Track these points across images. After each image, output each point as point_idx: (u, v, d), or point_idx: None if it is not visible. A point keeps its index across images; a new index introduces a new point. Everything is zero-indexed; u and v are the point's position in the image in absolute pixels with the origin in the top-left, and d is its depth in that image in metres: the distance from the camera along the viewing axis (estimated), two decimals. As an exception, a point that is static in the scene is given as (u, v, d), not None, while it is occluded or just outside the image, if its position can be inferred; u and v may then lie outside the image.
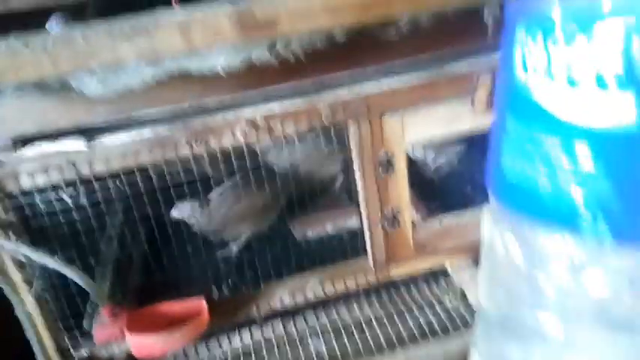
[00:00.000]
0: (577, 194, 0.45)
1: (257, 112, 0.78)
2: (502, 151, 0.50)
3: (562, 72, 0.42)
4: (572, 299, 0.49)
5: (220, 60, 0.64)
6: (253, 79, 0.70)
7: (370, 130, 0.84)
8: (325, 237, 1.16)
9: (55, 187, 0.79)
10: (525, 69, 0.45)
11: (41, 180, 0.76)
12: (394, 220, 0.91)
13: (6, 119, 0.68)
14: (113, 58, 0.60)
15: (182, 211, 1.01)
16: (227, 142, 0.80)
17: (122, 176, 0.80)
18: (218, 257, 1.08)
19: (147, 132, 0.76)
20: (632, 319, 0.48)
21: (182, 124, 0.76)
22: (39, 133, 0.73)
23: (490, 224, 0.56)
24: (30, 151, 0.75)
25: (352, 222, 1.14)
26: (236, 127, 0.78)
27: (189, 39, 0.61)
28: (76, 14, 0.72)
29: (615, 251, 0.45)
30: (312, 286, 0.95)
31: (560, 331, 0.51)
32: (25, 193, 0.77)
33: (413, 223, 0.94)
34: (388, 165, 0.87)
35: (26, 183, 0.76)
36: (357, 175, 0.87)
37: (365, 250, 0.95)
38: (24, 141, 0.74)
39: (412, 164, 1.08)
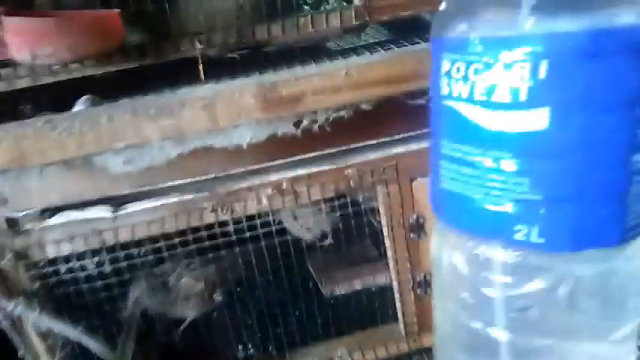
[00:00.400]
0: (506, 204, 0.48)
1: (283, 177, 0.76)
2: (439, 172, 0.54)
3: (484, 95, 0.46)
4: (514, 309, 0.52)
5: (245, 136, 0.63)
6: (278, 150, 0.68)
7: (400, 194, 0.81)
8: (354, 294, 1.12)
9: (80, 256, 0.78)
10: (451, 94, 0.49)
11: (66, 249, 0.76)
12: (426, 285, 0.87)
13: (31, 191, 0.68)
14: (138, 139, 0.60)
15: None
16: (252, 207, 0.78)
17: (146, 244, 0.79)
18: (240, 322, 1.05)
19: (172, 200, 0.75)
20: (571, 326, 0.51)
21: (207, 191, 0.75)
22: (65, 203, 0.73)
23: (438, 242, 0.60)
24: (56, 219, 0.75)
25: (382, 279, 1.10)
26: (261, 192, 0.77)
27: (214, 117, 0.61)
28: (104, 87, 0.72)
29: (550, 257, 0.48)
30: (340, 355, 0.91)
31: (509, 341, 0.53)
32: (51, 262, 0.77)
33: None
34: (419, 229, 0.83)
35: (52, 252, 0.76)
36: (387, 241, 0.84)
37: (395, 312, 0.90)
38: (50, 210, 0.74)
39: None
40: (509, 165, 0.47)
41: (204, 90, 0.61)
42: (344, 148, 0.72)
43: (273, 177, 0.76)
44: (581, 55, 0.42)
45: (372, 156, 0.78)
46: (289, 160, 0.73)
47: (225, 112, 0.61)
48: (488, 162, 0.48)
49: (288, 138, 0.66)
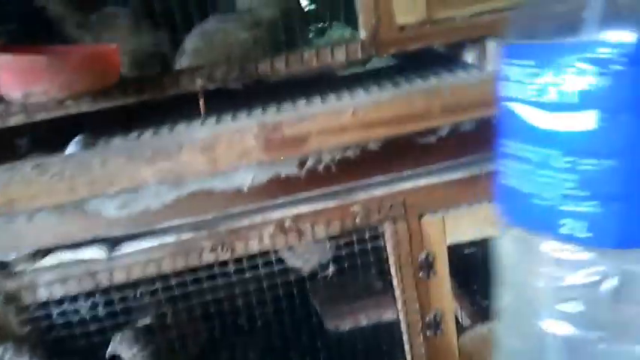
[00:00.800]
0: (554, 198, 0.50)
1: (285, 214, 0.73)
2: (502, 169, 0.56)
3: (536, 97, 0.50)
4: (559, 301, 0.53)
5: (246, 178, 0.60)
6: (280, 189, 0.65)
7: (408, 231, 0.77)
8: (359, 330, 1.08)
9: (73, 298, 0.74)
10: (510, 96, 0.53)
11: (59, 291, 0.72)
12: (436, 326, 0.83)
13: (21, 234, 0.64)
14: (133, 183, 0.57)
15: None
16: (254, 246, 0.74)
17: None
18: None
19: (169, 239, 0.71)
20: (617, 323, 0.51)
21: (206, 230, 0.72)
22: (57, 245, 0.69)
23: (501, 236, 0.61)
24: (48, 261, 0.71)
25: (389, 314, 1.06)
26: (264, 231, 0.73)
27: (214, 160, 0.58)
28: (103, 119, 0.70)
29: (600, 254, 0.50)
30: (346, 400, 0.86)
31: (559, 336, 0.54)
32: (42, 305, 0.73)
33: (457, 328, 0.85)
34: (429, 268, 0.80)
35: (44, 295, 0.72)
36: (395, 280, 0.80)
37: (403, 350, 0.86)
38: (42, 251, 0.71)
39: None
40: (558, 162, 0.49)
41: (203, 131, 0.58)
42: (350, 184, 0.69)
43: (276, 215, 0.73)
44: (628, 61, 0.45)
45: (378, 192, 0.74)
46: (292, 197, 0.69)
47: (225, 154, 0.58)
48: (539, 158, 0.51)
49: (292, 178, 0.63)
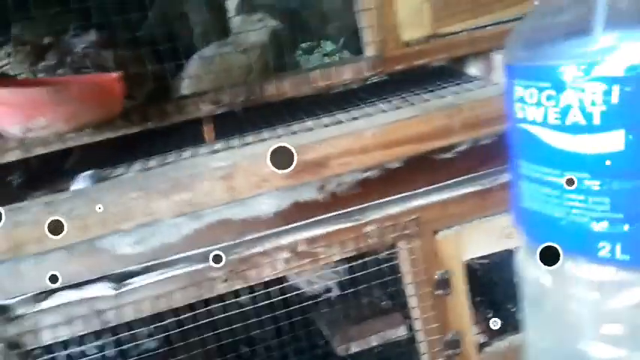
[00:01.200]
0: (588, 222, 0.48)
1: (298, 238, 0.71)
2: (519, 191, 0.54)
3: (557, 119, 0.48)
4: (600, 324, 0.51)
5: (265, 205, 0.58)
6: (297, 214, 0.63)
7: (423, 249, 0.76)
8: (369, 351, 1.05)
9: (80, 339, 0.70)
10: (526, 118, 0.50)
11: (64, 333, 0.68)
12: (456, 344, 0.81)
13: (25, 277, 0.61)
14: (149, 218, 0.54)
15: None
16: (268, 274, 0.72)
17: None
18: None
19: (180, 271, 0.68)
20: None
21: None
22: (63, 284, 0.66)
23: (523, 259, 0.58)
24: (52, 302, 0.67)
25: (400, 331, 1.04)
26: (277, 257, 0.71)
27: (233, 188, 0.55)
28: (100, 148, 0.67)
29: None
30: None
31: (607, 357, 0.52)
32: (47, 349, 0.69)
33: (477, 345, 0.83)
34: (446, 285, 0.78)
35: (48, 338, 0.68)
36: (412, 300, 0.78)
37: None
38: (45, 292, 0.67)
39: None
40: (588, 185, 0.48)
41: (220, 159, 0.56)
42: (366, 204, 0.67)
43: (288, 239, 0.70)
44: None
45: (392, 210, 0.73)
46: (307, 221, 0.67)
47: (244, 182, 0.55)
48: (566, 182, 0.49)
49: (311, 202, 0.61)
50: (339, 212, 0.68)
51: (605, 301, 0.51)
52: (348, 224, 0.72)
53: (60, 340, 0.69)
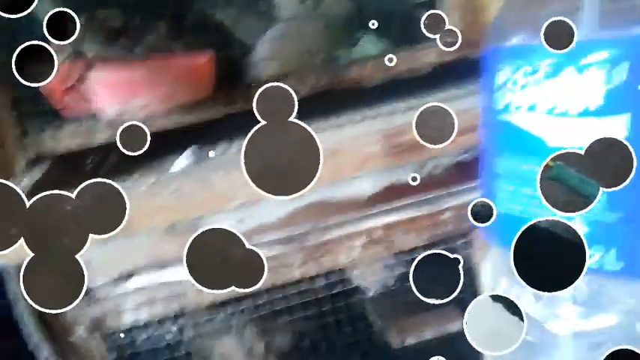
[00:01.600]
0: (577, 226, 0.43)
1: (376, 224, 0.70)
2: (493, 195, 0.50)
3: (549, 104, 0.43)
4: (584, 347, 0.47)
5: (363, 186, 0.57)
6: (391, 196, 0.63)
7: (499, 236, 0.74)
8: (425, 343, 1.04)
9: (160, 322, 0.71)
10: (508, 108, 0.45)
11: (145, 315, 0.69)
12: (529, 334, 0.80)
13: (113, 258, 0.61)
14: (252, 198, 0.54)
15: None
16: (342, 260, 0.72)
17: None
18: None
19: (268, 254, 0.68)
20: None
21: (297, 244, 0.69)
22: (147, 265, 0.66)
23: (492, 272, 0.56)
24: (134, 283, 0.68)
25: (455, 326, 1.03)
26: (354, 242, 0.70)
27: (336, 168, 0.55)
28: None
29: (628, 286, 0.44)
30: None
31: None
32: (127, 332, 0.70)
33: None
34: (521, 273, 0.77)
35: (129, 319, 0.69)
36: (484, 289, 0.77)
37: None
38: (129, 274, 0.68)
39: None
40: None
41: (324, 139, 0.56)
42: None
43: (368, 224, 0.70)
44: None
45: (470, 196, 0.72)
46: (389, 205, 0.67)
47: (348, 161, 0.55)
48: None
49: (406, 184, 0.61)
50: (422, 198, 0.67)
51: (587, 318, 0.47)
52: (424, 211, 0.71)
53: (140, 323, 0.70)
